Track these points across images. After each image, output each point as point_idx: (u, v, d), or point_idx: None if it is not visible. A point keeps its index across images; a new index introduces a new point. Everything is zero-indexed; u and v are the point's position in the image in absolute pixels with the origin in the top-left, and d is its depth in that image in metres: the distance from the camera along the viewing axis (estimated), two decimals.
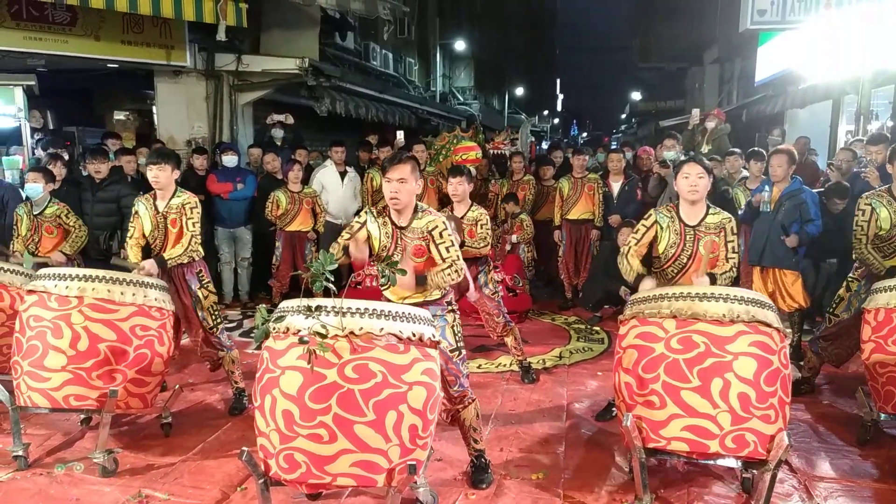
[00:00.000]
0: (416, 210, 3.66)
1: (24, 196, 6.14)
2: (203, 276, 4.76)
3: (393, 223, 3.66)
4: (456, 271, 3.56)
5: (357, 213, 8.06)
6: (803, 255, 5.75)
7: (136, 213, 4.68)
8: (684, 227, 4.07)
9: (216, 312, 4.82)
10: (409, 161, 3.58)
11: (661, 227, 4.11)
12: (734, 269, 4.02)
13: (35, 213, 5.59)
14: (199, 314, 4.69)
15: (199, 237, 4.65)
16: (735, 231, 4.06)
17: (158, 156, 4.60)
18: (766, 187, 5.73)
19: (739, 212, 5.94)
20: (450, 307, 3.77)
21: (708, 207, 4.09)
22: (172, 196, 4.64)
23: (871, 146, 6.30)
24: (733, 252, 4.03)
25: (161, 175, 4.54)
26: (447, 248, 3.59)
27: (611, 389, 4.24)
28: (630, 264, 4.09)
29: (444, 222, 3.64)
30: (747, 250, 6.02)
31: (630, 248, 4.14)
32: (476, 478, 3.77)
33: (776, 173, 5.61)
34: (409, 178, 3.53)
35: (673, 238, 4.08)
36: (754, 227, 5.82)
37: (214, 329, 4.79)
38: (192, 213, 4.61)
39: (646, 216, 4.22)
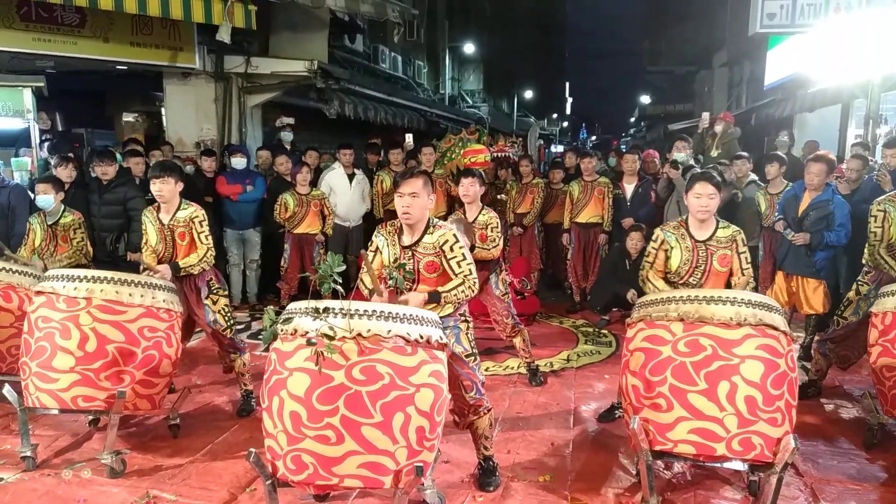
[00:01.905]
0: (428, 224, 3.64)
1: (32, 196, 6.17)
2: (213, 283, 4.77)
3: (400, 244, 3.64)
4: (470, 287, 3.54)
5: (365, 217, 8.16)
6: (825, 263, 5.64)
7: (145, 227, 4.70)
8: (695, 242, 4.08)
9: (228, 314, 4.83)
10: (422, 176, 3.57)
11: (671, 246, 4.12)
12: (751, 281, 4.01)
13: (49, 222, 5.52)
14: (211, 318, 4.70)
15: (213, 249, 4.67)
16: (745, 243, 4.07)
17: (161, 169, 4.58)
18: (797, 191, 5.69)
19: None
20: (463, 318, 3.76)
21: (717, 222, 4.09)
22: (178, 209, 4.64)
23: (886, 149, 6.25)
24: (747, 263, 4.03)
25: (165, 189, 4.54)
26: (459, 263, 3.56)
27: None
28: (655, 286, 4.10)
29: (454, 235, 3.61)
30: (768, 253, 6.20)
31: (647, 271, 4.18)
32: (484, 480, 3.78)
33: (813, 182, 5.49)
34: (422, 192, 3.52)
35: (685, 255, 4.08)
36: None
37: (227, 331, 4.80)
38: (202, 226, 4.63)
39: (653, 237, 4.24)
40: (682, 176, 7.09)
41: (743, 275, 4.00)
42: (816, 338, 5.53)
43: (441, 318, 3.53)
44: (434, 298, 3.49)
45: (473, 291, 3.57)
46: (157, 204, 4.69)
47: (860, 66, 8.81)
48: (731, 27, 17.72)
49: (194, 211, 4.66)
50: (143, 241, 4.73)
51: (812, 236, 5.45)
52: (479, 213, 5.36)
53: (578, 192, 7.82)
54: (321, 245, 7.77)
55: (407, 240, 3.64)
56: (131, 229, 6.39)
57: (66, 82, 9.74)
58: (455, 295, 3.51)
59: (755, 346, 3.32)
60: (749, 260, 4.06)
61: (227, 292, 4.92)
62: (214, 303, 4.74)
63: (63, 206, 5.59)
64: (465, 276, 3.55)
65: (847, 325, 4.89)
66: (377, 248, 3.71)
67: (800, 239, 5.47)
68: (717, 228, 4.07)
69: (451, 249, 3.57)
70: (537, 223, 8.39)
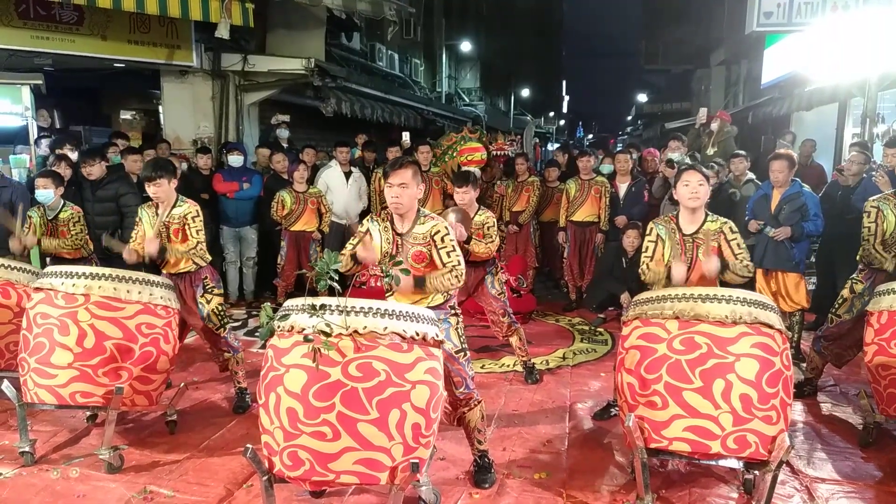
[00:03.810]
0: (418, 215, 3.67)
1: (30, 198, 6.17)
2: (208, 282, 4.78)
3: (394, 230, 3.68)
4: (457, 276, 3.55)
5: (362, 214, 8.19)
6: (803, 257, 5.75)
7: (140, 220, 4.70)
8: (682, 236, 4.08)
9: (222, 313, 4.83)
10: (411, 166, 3.59)
11: (663, 238, 4.14)
12: (747, 260, 3.98)
13: (49, 217, 5.50)
14: (204, 316, 4.72)
15: (204, 244, 4.67)
16: (735, 230, 4.04)
17: (153, 170, 4.55)
18: (766, 191, 5.79)
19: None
20: (453, 311, 3.80)
21: (707, 215, 4.10)
22: (174, 206, 4.65)
23: (888, 149, 6.26)
24: (739, 248, 3.99)
25: (160, 190, 4.54)
26: (448, 253, 3.59)
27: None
28: (655, 270, 4.10)
29: (446, 227, 3.65)
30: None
31: (647, 265, 4.16)
32: (479, 477, 3.79)
33: (777, 179, 5.65)
34: (411, 182, 3.55)
35: (675, 249, 4.09)
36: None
37: (221, 329, 4.81)
38: (194, 221, 4.63)
39: (647, 231, 4.24)
40: None
41: (737, 259, 3.96)
42: (806, 335, 5.55)
43: (432, 308, 3.57)
44: (419, 284, 3.51)
45: (459, 281, 3.58)
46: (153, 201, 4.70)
47: (857, 64, 8.83)
48: (729, 26, 17.74)
49: (188, 207, 4.66)
50: (132, 237, 4.72)
51: (792, 229, 5.55)
52: (476, 213, 5.39)
53: (575, 190, 7.84)
54: (318, 242, 7.79)
55: (399, 228, 3.68)
56: (124, 226, 6.42)
57: (64, 80, 9.73)
58: (441, 282, 3.52)
59: (750, 345, 3.33)
60: (742, 246, 4.02)
61: (221, 291, 4.92)
62: (208, 301, 4.74)
63: (63, 201, 5.58)
64: (453, 265, 3.57)
65: (841, 322, 4.91)
66: (367, 230, 3.74)
67: (781, 234, 5.57)
68: (705, 221, 4.07)
69: (442, 240, 3.60)
70: (533, 221, 8.41)
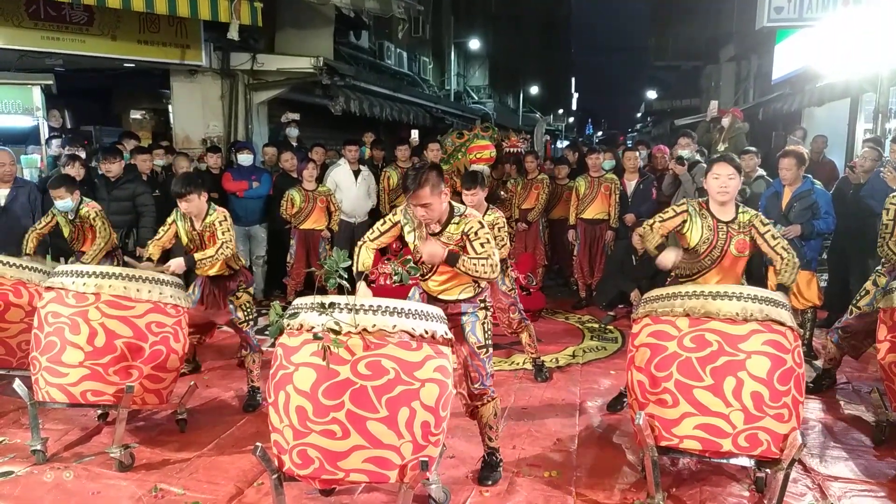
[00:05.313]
0: (452, 213, 3.58)
1: (42, 198, 6.21)
2: (242, 283, 5.00)
3: (428, 230, 3.61)
4: (491, 266, 3.46)
5: (371, 213, 8.18)
6: (815, 255, 5.70)
7: (174, 222, 4.77)
8: (717, 222, 3.96)
9: (249, 309, 5.00)
10: (427, 182, 3.40)
11: (692, 218, 4.00)
12: (789, 251, 3.88)
13: (71, 217, 5.50)
14: (234, 314, 4.91)
15: (231, 244, 4.73)
16: (766, 222, 3.95)
17: (183, 185, 4.60)
18: (777, 188, 5.74)
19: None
20: (483, 304, 3.77)
21: (738, 206, 4.01)
22: (206, 216, 4.76)
23: (895, 144, 6.20)
24: (774, 238, 3.90)
25: (191, 206, 4.64)
26: (482, 244, 3.50)
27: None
28: (654, 233, 4.02)
29: (479, 222, 3.57)
30: None
31: (655, 222, 4.07)
32: (483, 474, 3.80)
33: (785, 176, 5.60)
34: (432, 198, 3.42)
35: (706, 234, 3.95)
36: None
37: (244, 325, 4.95)
38: (221, 225, 4.74)
39: (679, 202, 4.12)
40: (689, 171, 7.08)
41: (781, 257, 3.86)
42: (818, 332, 5.50)
43: (462, 301, 3.63)
44: (451, 259, 3.43)
45: (494, 272, 3.49)
46: None
47: (869, 59, 8.75)
48: (739, 21, 17.62)
49: (217, 214, 4.78)
50: (158, 236, 4.84)
51: (802, 227, 5.48)
52: (485, 213, 5.36)
53: (585, 187, 7.80)
54: (327, 241, 7.78)
55: (432, 228, 3.59)
56: (140, 224, 6.49)
57: (75, 80, 9.79)
58: (473, 264, 3.44)
59: (762, 342, 3.31)
60: (777, 235, 3.92)
61: (251, 291, 5.15)
62: (238, 298, 4.94)
63: (80, 200, 5.55)
64: (487, 255, 3.49)
65: (861, 314, 4.81)
66: (398, 222, 3.69)
67: (792, 231, 5.48)
68: (737, 213, 3.98)
69: (476, 234, 3.52)
70: (542, 219, 8.38)
